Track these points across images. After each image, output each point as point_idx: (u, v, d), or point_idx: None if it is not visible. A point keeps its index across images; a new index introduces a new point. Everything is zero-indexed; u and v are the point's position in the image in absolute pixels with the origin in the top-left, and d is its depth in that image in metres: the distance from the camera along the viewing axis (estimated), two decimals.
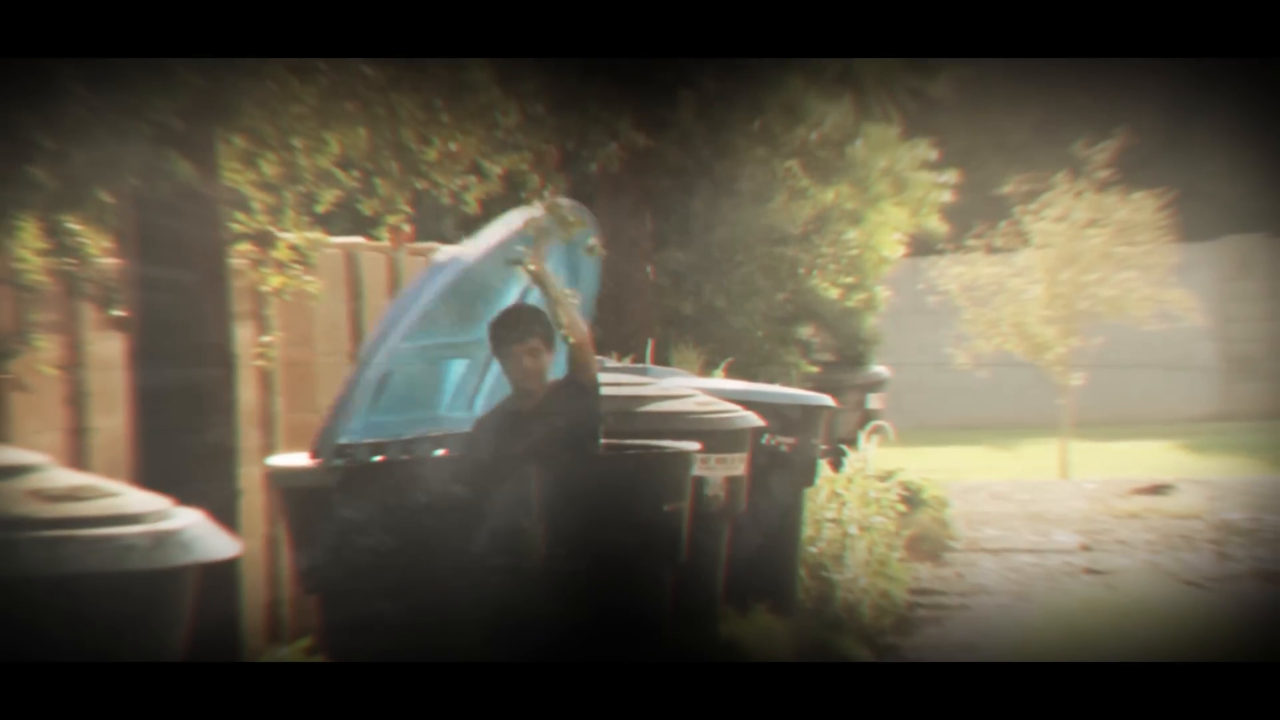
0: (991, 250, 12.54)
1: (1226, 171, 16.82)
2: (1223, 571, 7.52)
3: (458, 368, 4.55)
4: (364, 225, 3.76)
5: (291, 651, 3.86)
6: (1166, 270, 12.39)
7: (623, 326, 8.82)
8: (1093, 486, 11.03)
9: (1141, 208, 12.31)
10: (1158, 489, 10.42)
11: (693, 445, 4.52)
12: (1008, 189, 12.38)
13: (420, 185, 3.62)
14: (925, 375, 15.53)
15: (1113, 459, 12.73)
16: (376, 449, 4.27)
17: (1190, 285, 12.80)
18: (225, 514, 3.10)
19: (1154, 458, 12.84)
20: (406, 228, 3.74)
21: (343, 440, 4.20)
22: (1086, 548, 8.41)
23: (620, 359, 7.36)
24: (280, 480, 4.37)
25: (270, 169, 3.47)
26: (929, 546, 8.03)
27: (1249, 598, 6.78)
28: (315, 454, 4.20)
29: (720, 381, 6.92)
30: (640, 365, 7.07)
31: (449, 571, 4.11)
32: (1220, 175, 16.76)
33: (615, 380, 5.72)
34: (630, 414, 5.37)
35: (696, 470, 4.85)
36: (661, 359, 8.21)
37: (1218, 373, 16.10)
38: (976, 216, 12.38)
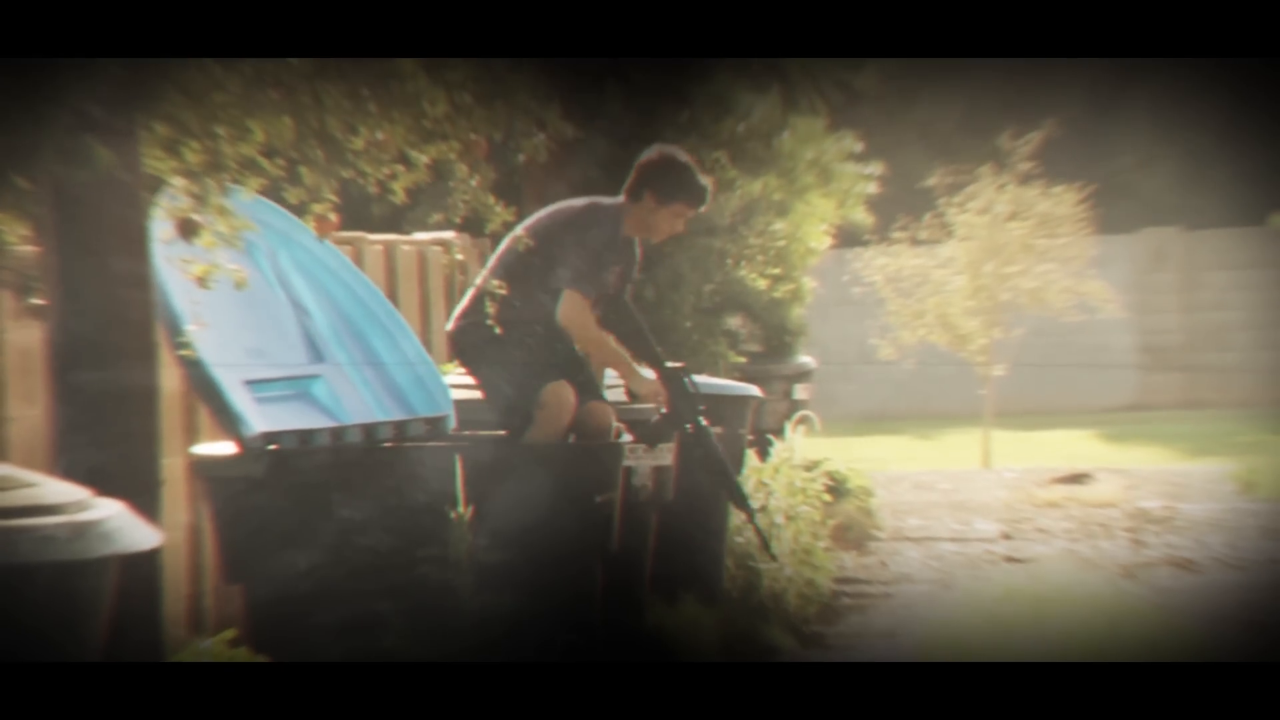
0: (916, 242, 12.69)
1: (1143, 166, 17.14)
2: (1138, 559, 7.68)
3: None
4: (293, 214, 3.73)
5: (215, 643, 3.82)
6: (1085, 262, 12.61)
7: None
8: (1013, 476, 11.21)
9: (1061, 201, 12.52)
10: (1076, 478, 10.61)
11: (625, 437, 4.54)
12: (932, 181, 12.53)
13: (346, 174, 3.60)
14: (851, 365, 15.67)
15: (1033, 448, 12.94)
16: (305, 436, 4.24)
17: (1108, 277, 13.04)
18: (147, 504, 3.07)
19: (1073, 447, 13.08)
20: (332, 217, 3.71)
21: (268, 428, 4.17)
22: (1007, 536, 8.54)
23: None
24: (205, 469, 4.32)
25: (193, 157, 3.43)
26: (854, 535, 8.12)
27: (1163, 584, 6.94)
28: (242, 442, 4.16)
29: (648, 372, 6.93)
30: None
31: (375, 561, 4.09)
32: (1137, 169, 17.07)
33: None
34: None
35: (625, 460, 4.87)
36: None
37: (1134, 363, 16.42)
38: (901, 209, 12.52)
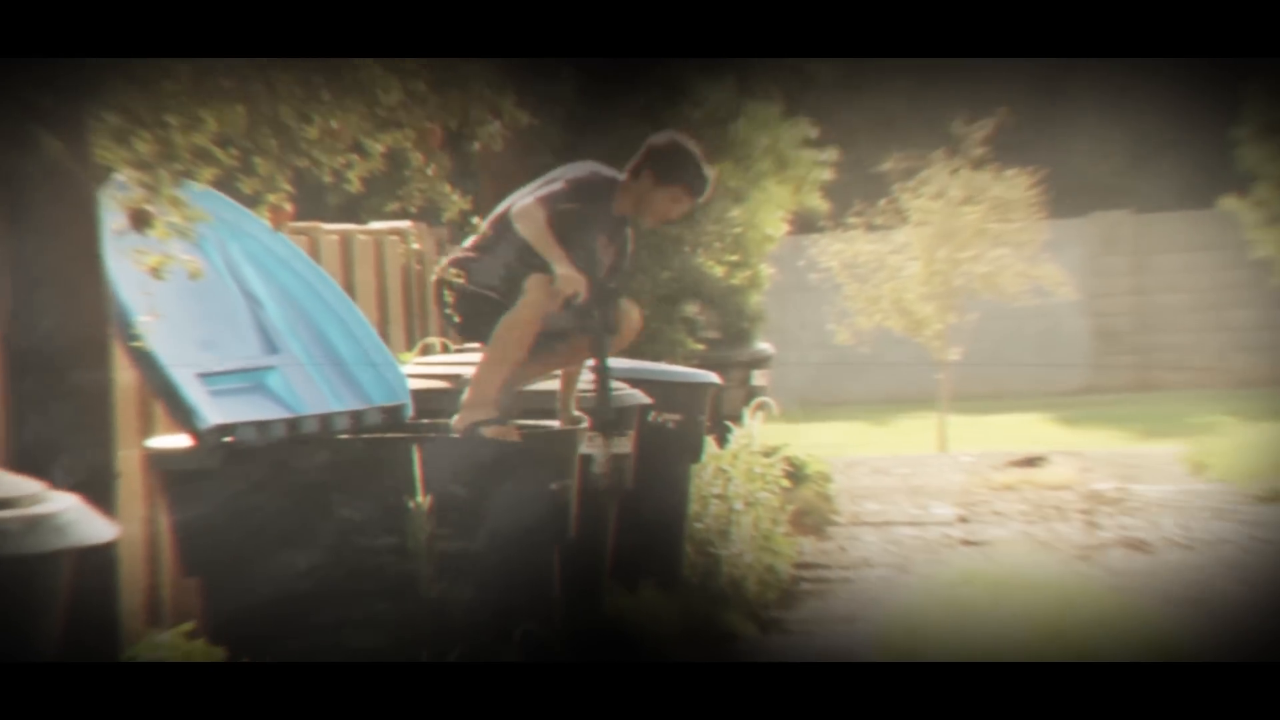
0: (871, 228, 12.75)
1: (1094, 150, 17.30)
2: (1092, 540, 7.77)
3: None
4: (248, 204, 3.70)
5: (172, 636, 3.80)
6: (1038, 247, 12.72)
7: (508, 304, 8.77)
8: (970, 460, 11.30)
9: (1014, 185, 12.61)
10: (1031, 461, 10.71)
11: (580, 424, 4.54)
12: (886, 167, 12.59)
13: (301, 163, 3.57)
14: (808, 352, 15.74)
15: (989, 432, 13.05)
16: (261, 428, 4.22)
17: (1060, 261, 13.15)
18: (102, 498, 3.04)
19: (1028, 431, 13.20)
20: (287, 207, 3.68)
21: (223, 420, 4.14)
22: (964, 519, 8.62)
23: None
24: (160, 462, 4.29)
25: (144, 147, 3.40)
26: (812, 521, 8.16)
27: (1117, 565, 7.02)
28: (196, 435, 4.13)
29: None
30: None
31: (335, 551, 4.07)
32: (1088, 154, 17.22)
33: None
34: (517, 393, 5.36)
35: (583, 448, 4.87)
36: None
37: (1087, 347, 16.58)
38: (856, 194, 12.57)
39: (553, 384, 5.48)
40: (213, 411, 4.18)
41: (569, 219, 4.25)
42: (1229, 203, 10.09)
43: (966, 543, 7.76)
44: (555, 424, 4.58)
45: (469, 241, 4.44)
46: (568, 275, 4.22)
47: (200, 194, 3.63)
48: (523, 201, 4.31)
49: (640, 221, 4.26)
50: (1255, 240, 10.04)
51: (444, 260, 4.33)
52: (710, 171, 4.30)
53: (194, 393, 4.18)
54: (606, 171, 4.35)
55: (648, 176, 4.27)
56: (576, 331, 4.25)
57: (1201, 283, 16.53)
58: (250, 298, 4.60)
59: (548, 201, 4.28)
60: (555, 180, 4.35)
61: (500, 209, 4.46)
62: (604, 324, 4.27)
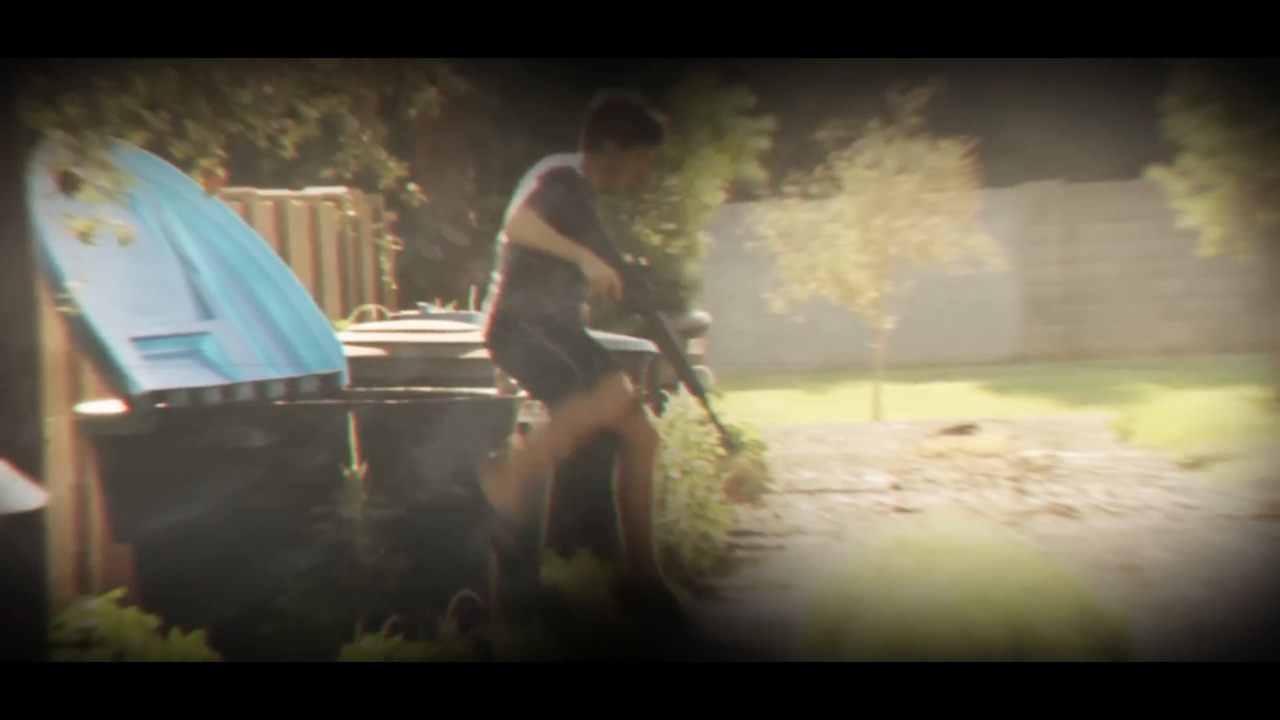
0: (807, 196, 12.80)
1: (1025, 120, 17.46)
2: (1021, 507, 7.89)
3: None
4: (179, 168, 3.64)
5: (102, 603, 3.76)
6: (971, 216, 12.84)
7: (446, 273, 8.75)
8: (903, 428, 11.43)
9: (948, 154, 12.71)
10: (963, 429, 10.85)
11: (518, 392, 4.54)
12: (822, 136, 12.64)
13: (234, 128, 3.52)
14: (744, 320, 15.80)
15: (921, 401, 13.20)
16: (195, 394, 4.17)
17: (992, 231, 13.29)
18: (30, 464, 3.00)
19: (960, 399, 13.36)
20: (220, 172, 3.63)
21: (157, 386, 4.09)
22: (897, 487, 8.72)
23: (444, 305, 7.31)
24: (91, 428, 4.23)
25: (72, 109, 3.33)
26: (747, 489, 8.22)
27: (1045, 531, 7.14)
28: (129, 400, 4.08)
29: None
30: (464, 312, 7.04)
31: (269, 520, 4.05)
32: (1019, 124, 17.38)
33: (439, 327, 5.68)
34: (455, 361, 5.34)
35: (522, 417, 4.87)
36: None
37: (1018, 316, 16.79)
38: (792, 163, 12.61)
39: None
40: (146, 377, 4.13)
41: (564, 211, 4.19)
42: (1156, 172, 10.23)
43: (899, 510, 7.86)
44: (493, 392, 4.57)
45: (496, 275, 4.34)
46: (598, 272, 4.11)
47: (135, 157, 3.57)
48: (511, 216, 4.23)
49: (614, 187, 4.22)
50: (1181, 210, 10.20)
51: (483, 320, 4.22)
52: (660, 115, 4.26)
53: (127, 357, 4.12)
54: (562, 162, 4.29)
55: (611, 145, 4.23)
56: (627, 314, 4.20)
57: (1129, 252, 16.78)
58: (185, 262, 4.54)
59: (534, 203, 4.17)
60: (527, 185, 4.29)
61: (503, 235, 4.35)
62: (653, 300, 4.19)
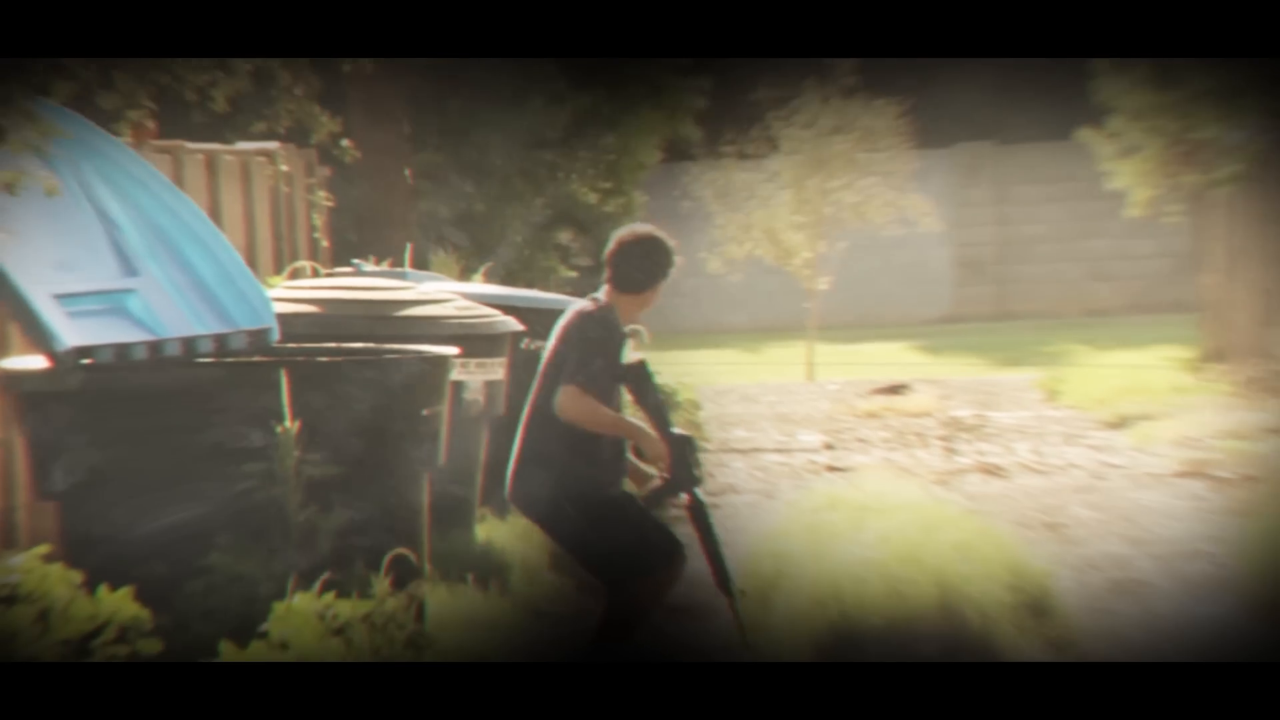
0: (744, 156, 12.81)
1: (959, 81, 17.56)
2: (951, 466, 8.01)
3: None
4: (107, 121, 3.56)
5: (27, 559, 3.71)
6: (905, 177, 12.92)
7: (380, 230, 8.66)
8: (836, 387, 11.52)
9: (883, 114, 12.76)
10: (895, 389, 10.96)
11: (450, 349, 4.52)
12: (758, 95, 12.63)
13: (163, 80, 3.44)
14: (679, 280, 15.79)
15: (855, 361, 13.31)
16: (121, 350, 4.11)
17: (925, 191, 13.39)
18: None
19: (892, 359, 13.49)
20: (149, 124, 3.56)
21: (81, 342, 4.03)
22: (829, 446, 8.81)
23: (378, 263, 7.25)
24: (15, 384, 4.17)
25: None
26: None
27: (974, 490, 7.26)
28: (53, 357, 4.01)
29: (479, 286, 6.89)
30: (398, 269, 6.98)
31: (198, 476, 4.01)
32: (953, 85, 17.48)
33: (373, 285, 5.64)
34: (388, 318, 5.30)
35: (456, 375, 4.85)
36: (420, 263, 8.13)
37: (950, 276, 16.95)
38: (729, 122, 12.60)
39: (427, 310, 5.42)
40: (70, 333, 4.07)
41: (609, 376, 4.02)
42: (1086, 134, 10.36)
43: (831, 469, 7.94)
44: (426, 349, 4.55)
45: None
46: (652, 443, 4.03)
47: (53, 112, 3.49)
48: (563, 397, 3.98)
49: (636, 321, 4.16)
50: (1110, 172, 10.33)
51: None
52: (672, 242, 4.20)
53: (51, 314, 4.05)
54: (600, 306, 4.15)
55: (648, 288, 4.14)
56: (666, 493, 4.09)
57: (1059, 213, 16.97)
58: (106, 219, 4.46)
59: (583, 378, 3.99)
60: (567, 347, 4.07)
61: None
62: (695, 478, 4.11)
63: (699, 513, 4.12)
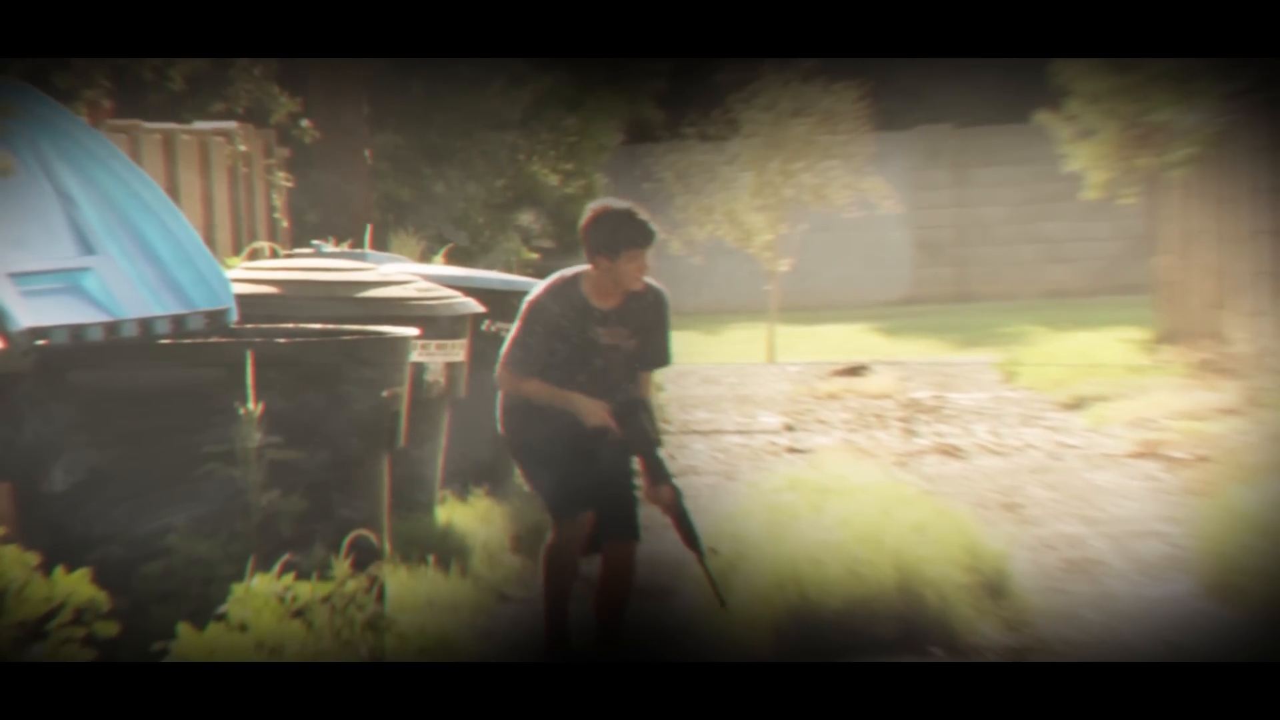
0: (705, 138, 12.81)
1: (919, 64, 17.62)
2: (909, 447, 8.06)
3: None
4: (63, 99, 3.51)
5: None
6: (865, 159, 12.97)
7: (340, 211, 8.62)
8: (796, 369, 11.57)
9: (842, 98, 12.80)
10: (854, 371, 11.02)
11: (410, 330, 4.51)
12: (719, 77, 12.64)
13: (119, 59, 3.40)
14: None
15: (815, 342, 13.37)
16: (76, 331, 4.07)
17: (885, 174, 13.45)
18: None
19: (852, 341, 13.56)
20: (105, 103, 3.52)
21: (36, 322, 3.99)
22: (789, 428, 8.85)
23: (338, 244, 7.21)
24: None
25: None
26: None
27: (932, 471, 7.31)
28: (7, 337, 3.97)
29: (440, 267, 6.87)
30: (359, 250, 6.95)
31: (158, 458, 3.98)
32: (913, 67, 17.54)
33: (333, 266, 5.61)
34: (349, 299, 5.28)
35: (416, 356, 4.83)
36: (380, 244, 8.09)
37: (909, 259, 17.04)
38: (690, 105, 12.60)
39: (387, 291, 5.40)
40: (24, 313, 4.02)
41: (539, 349, 4.12)
42: (1044, 117, 10.43)
43: (791, 450, 7.97)
44: (386, 329, 4.53)
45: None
46: (587, 409, 4.12)
47: (10, 88, 3.45)
48: (498, 373, 4.17)
49: (627, 287, 4.17)
50: (1067, 154, 10.42)
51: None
52: (647, 216, 4.21)
53: (4, 293, 4.01)
54: (567, 274, 4.23)
55: (601, 259, 4.20)
56: (624, 451, 4.15)
57: (1017, 196, 17.08)
58: (64, 197, 4.41)
59: (509, 354, 4.16)
60: (519, 318, 4.23)
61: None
62: (652, 439, 4.14)
63: (657, 471, 4.19)
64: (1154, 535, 5.88)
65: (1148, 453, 7.60)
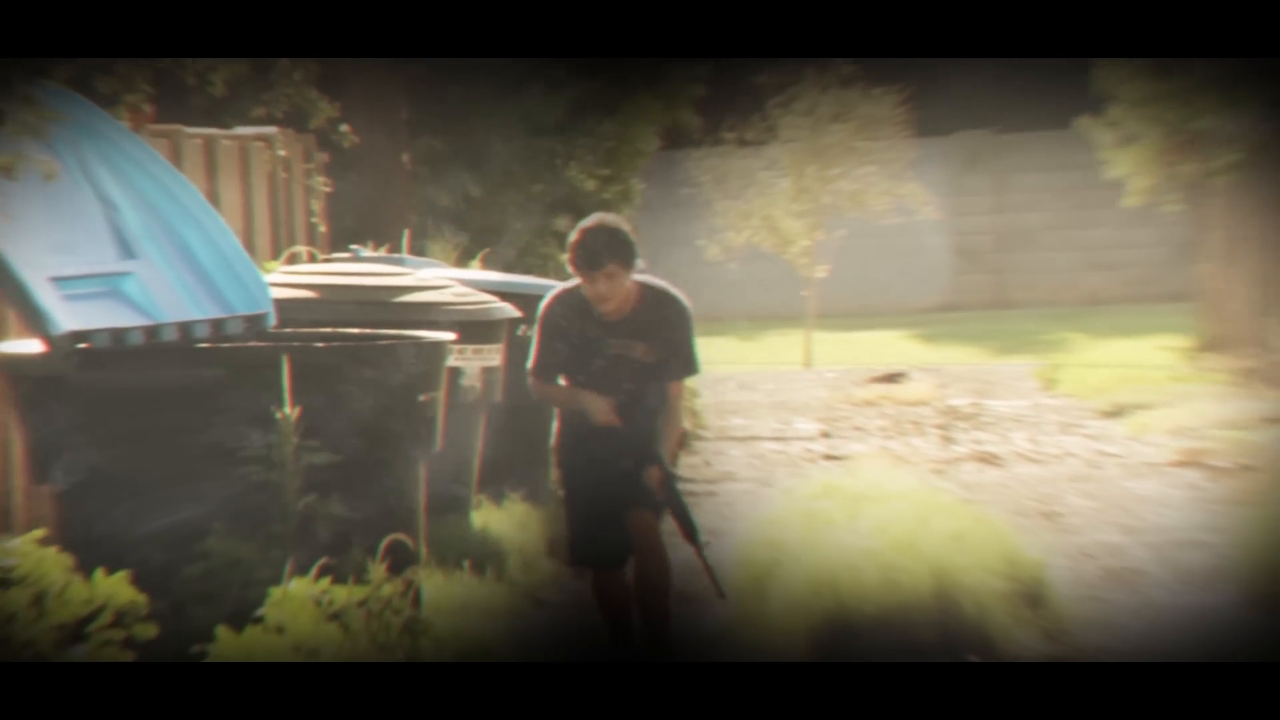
0: (743, 143, 12.80)
1: (960, 69, 17.54)
2: (947, 454, 8.01)
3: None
4: (105, 104, 3.54)
5: (24, 542, 3.71)
6: (904, 165, 12.91)
7: (378, 215, 8.66)
8: (833, 376, 11.53)
9: (882, 103, 12.75)
10: (892, 377, 10.97)
11: (447, 335, 4.52)
12: (759, 82, 12.62)
13: (161, 64, 3.43)
14: (678, 268, 15.82)
15: (852, 349, 13.32)
16: (117, 335, 4.11)
17: (924, 180, 13.38)
18: None
19: (889, 347, 13.50)
20: (147, 108, 3.55)
21: (77, 326, 4.02)
22: (826, 434, 8.82)
23: (375, 249, 7.25)
24: (11, 367, 4.16)
25: None
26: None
27: (969, 479, 7.27)
28: (49, 340, 4.01)
29: (477, 272, 6.89)
30: (396, 255, 6.98)
31: (197, 460, 4.01)
32: (954, 72, 17.46)
33: (371, 271, 5.64)
34: (386, 304, 5.30)
35: (453, 361, 4.84)
36: (418, 249, 8.12)
37: (947, 265, 16.94)
38: (729, 109, 12.59)
39: (425, 296, 5.43)
40: (66, 317, 4.06)
41: (558, 352, 4.20)
42: (1084, 123, 10.35)
43: (828, 457, 7.94)
44: (422, 334, 4.54)
45: None
46: (594, 406, 4.20)
47: (52, 94, 3.49)
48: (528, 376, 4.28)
49: (601, 300, 4.19)
50: (1108, 160, 10.33)
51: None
52: (590, 241, 4.19)
53: (47, 297, 4.05)
54: (571, 281, 4.26)
55: (579, 274, 4.23)
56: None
57: (1057, 202, 16.96)
58: (106, 201, 4.45)
59: (532, 363, 4.25)
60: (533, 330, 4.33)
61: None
62: (651, 453, 4.17)
63: (665, 477, 4.21)
64: (1196, 545, 5.82)
65: (1190, 461, 7.53)
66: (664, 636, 4.22)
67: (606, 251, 4.15)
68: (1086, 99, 10.48)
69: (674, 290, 4.32)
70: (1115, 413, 9.09)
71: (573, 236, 4.24)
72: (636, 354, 4.22)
